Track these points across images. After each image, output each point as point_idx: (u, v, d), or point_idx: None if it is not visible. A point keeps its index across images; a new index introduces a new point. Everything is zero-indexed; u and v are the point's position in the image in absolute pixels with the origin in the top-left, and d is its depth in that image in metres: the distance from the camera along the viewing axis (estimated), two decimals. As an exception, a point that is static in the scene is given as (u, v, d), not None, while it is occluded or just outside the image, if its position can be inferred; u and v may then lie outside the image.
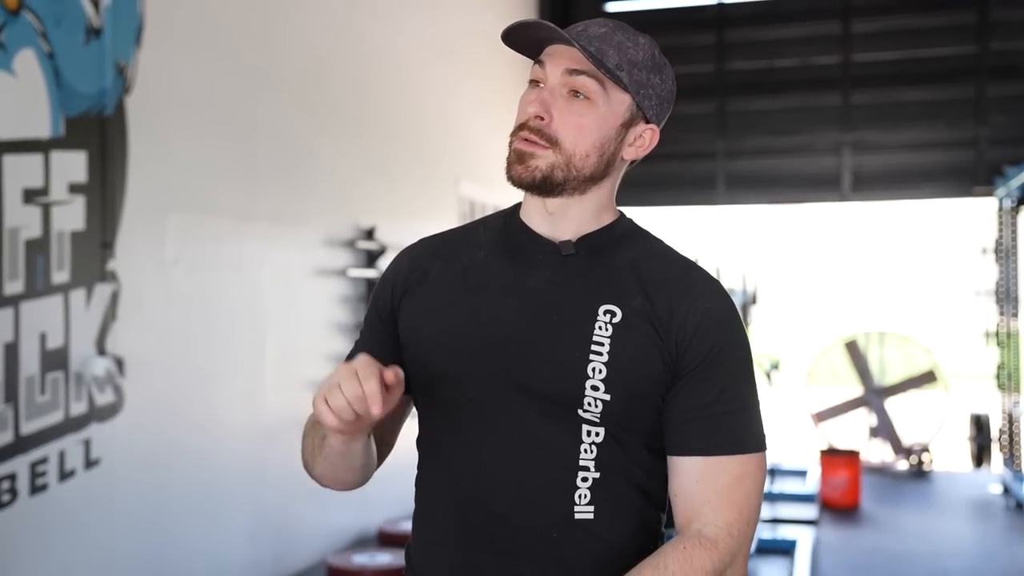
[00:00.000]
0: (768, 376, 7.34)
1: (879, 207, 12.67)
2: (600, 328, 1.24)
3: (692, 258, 1.35)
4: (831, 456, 6.70)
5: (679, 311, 1.25)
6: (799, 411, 9.50)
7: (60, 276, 3.15)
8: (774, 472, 6.93)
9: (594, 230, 1.31)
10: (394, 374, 1.12)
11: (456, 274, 1.32)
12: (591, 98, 1.25)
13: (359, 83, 5.22)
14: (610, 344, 1.23)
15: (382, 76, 5.49)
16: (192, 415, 3.77)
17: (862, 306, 20.49)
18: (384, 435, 1.36)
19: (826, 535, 5.87)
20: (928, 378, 8.54)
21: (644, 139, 1.31)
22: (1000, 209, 7.51)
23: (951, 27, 7.99)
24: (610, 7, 8.58)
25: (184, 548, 3.70)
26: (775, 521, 5.84)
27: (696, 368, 1.24)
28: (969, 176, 7.84)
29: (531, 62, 1.31)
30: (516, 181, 1.27)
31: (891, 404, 8.46)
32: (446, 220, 6.12)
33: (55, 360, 3.13)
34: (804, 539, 5.38)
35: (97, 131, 3.30)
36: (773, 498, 6.31)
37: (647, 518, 1.29)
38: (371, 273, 5.05)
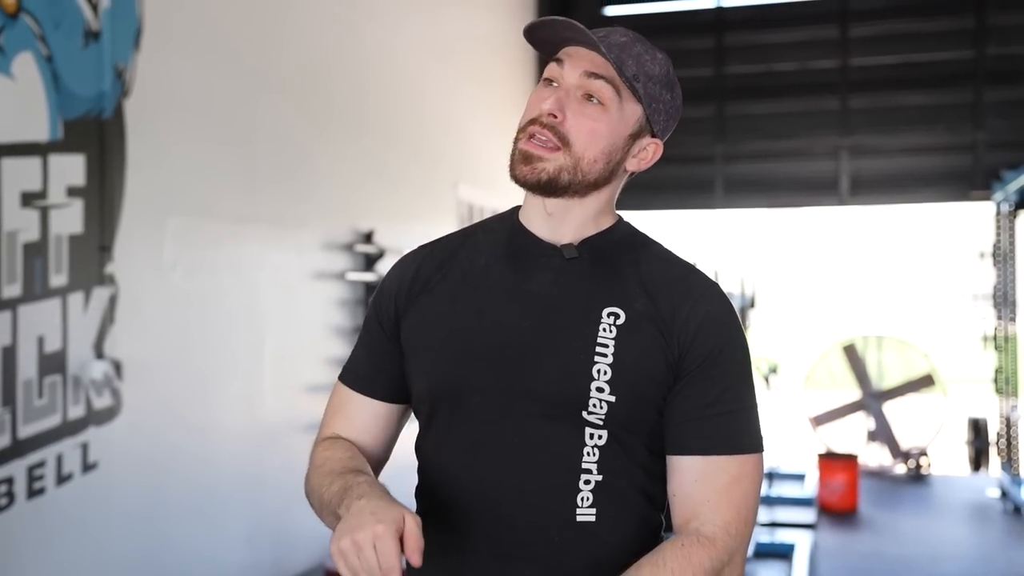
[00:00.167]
0: (766, 380, 7.34)
1: (877, 211, 12.68)
2: (604, 330, 1.24)
3: (691, 262, 1.35)
4: (829, 460, 6.70)
5: (681, 313, 1.25)
6: (797, 415, 9.51)
7: (58, 279, 3.15)
8: (772, 476, 6.94)
9: (594, 233, 1.32)
10: (415, 543, 1.09)
11: (457, 279, 1.33)
12: (605, 104, 1.26)
13: (358, 86, 5.22)
14: (615, 346, 1.24)
15: (381, 79, 5.50)
16: (190, 419, 3.77)
17: (860, 310, 20.51)
18: (380, 459, 1.41)
19: (824, 539, 5.86)
20: (926, 382, 8.54)
21: (647, 152, 1.32)
22: (998, 213, 7.53)
23: (949, 32, 8.00)
24: (609, 11, 8.58)
25: (182, 552, 3.69)
26: (773, 525, 5.84)
27: (697, 369, 1.25)
28: (967, 180, 7.86)
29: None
30: (520, 180, 1.27)
31: (889, 408, 8.46)
32: (445, 223, 6.12)
33: (53, 363, 3.12)
34: (802, 543, 5.38)
35: (96, 134, 3.30)
36: (771, 502, 6.31)
37: (648, 520, 1.30)
38: (370, 276, 5.05)
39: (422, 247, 1.41)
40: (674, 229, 12.21)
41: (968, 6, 7.86)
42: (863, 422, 8.51)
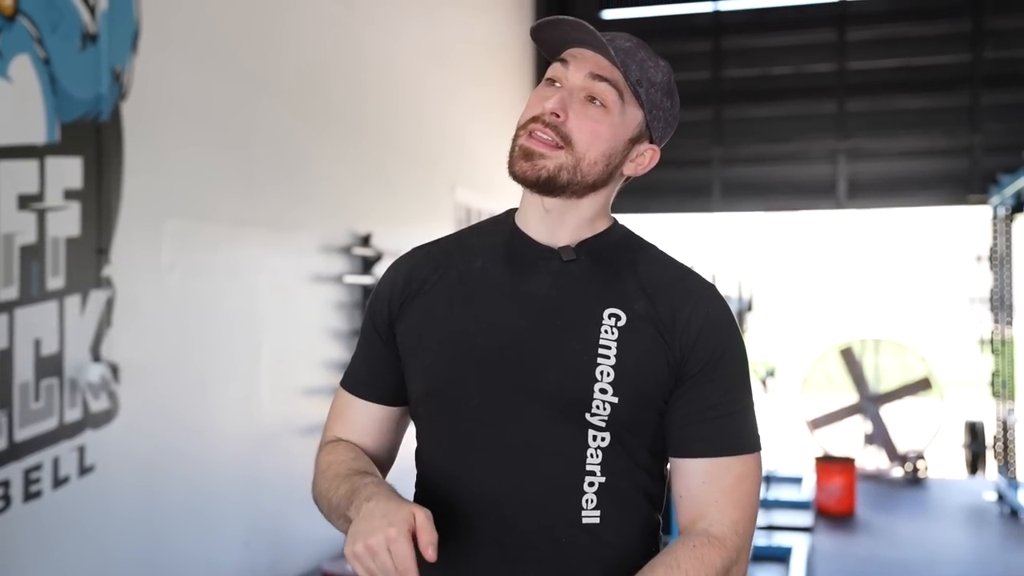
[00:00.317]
0: (764, 383, 7.35)
1: (874, 215, 12.69)
2: (606, 331, 1.25)
3: (688, 264, 1.36)
4: (826, 463, 6.70)
5: (682, 315, 1.26)
6: (794, 418, 9.51)
7: (55, 282, 3.15)
8: (769, 479, 6.94)
9: (590, 236, 1.32)
10: (428, 537, 1.10)
11: (453, 282, 1.32)
12: (608, 107, 1.26)
13: (356, 89, 5.22)
14: (617, 347, 1.24)
15: (379, 83, 5.50)
16: (187, 421, 3.76)
17: (857, 313, 20.52)
18: (385, 462, 1.41)
19: (821, 542, 5.86)
20: (923, 385, 8.55)
21: (645, 158, 1.32)
22: (995, 217, 7.54)
23: (946, 35, 8.02)
24: (606, 14, 8.59)
25: (179, 555, 3.69)
26: (770, 528, 5.84)
27: (699, 372, 1.25)
28: (964, 184, 7.87)
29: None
30: (519, 177, 1.27)
31: (886, 411, 8.46)
32: (442, 226, 6.12)
33: (49, 366, 3.12)
34: (799, 546, 5.38)
35: (93, 137, 3.30)
36: (768, 505, 6.31)
37: (650, 521, 1.31)
38: (367, 279, 5.05)
39: (415, 250, 1.41)
40: (672, 232, 12.22)
41: (965, 10, 7.88)
42: (860, 425, 8.51)
